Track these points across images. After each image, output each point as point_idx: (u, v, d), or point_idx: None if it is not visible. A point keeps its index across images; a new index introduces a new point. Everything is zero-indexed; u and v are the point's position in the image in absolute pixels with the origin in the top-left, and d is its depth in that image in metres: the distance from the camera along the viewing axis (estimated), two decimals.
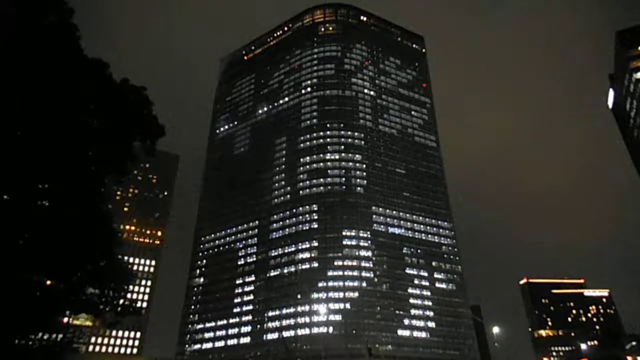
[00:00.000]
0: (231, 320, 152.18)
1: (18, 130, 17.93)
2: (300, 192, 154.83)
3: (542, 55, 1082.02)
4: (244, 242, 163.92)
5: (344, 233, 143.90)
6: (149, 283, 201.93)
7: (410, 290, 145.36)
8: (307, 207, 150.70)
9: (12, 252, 17.93)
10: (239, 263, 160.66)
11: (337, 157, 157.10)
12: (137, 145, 21.64)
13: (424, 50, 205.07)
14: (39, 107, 18.10)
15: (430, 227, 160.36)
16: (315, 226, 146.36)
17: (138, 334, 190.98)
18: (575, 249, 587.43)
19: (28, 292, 18.87)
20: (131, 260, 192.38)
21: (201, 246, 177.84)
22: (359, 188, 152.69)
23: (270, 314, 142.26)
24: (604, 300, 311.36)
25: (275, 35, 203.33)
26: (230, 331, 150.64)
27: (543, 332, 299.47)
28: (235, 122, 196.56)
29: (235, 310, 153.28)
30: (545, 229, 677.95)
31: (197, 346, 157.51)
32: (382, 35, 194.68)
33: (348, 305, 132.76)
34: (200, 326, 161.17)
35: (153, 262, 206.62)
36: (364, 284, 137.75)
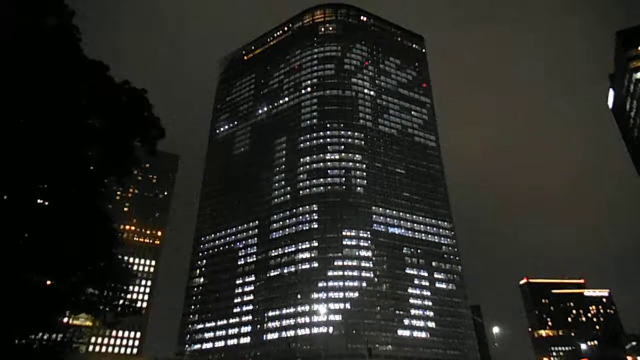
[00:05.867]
0: (231, 320, 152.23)
1: (18, 131, 17.98)
2: (300, 192, 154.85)
3: (542, 56, 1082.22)
4: (244, 242, 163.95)
5: (344, 233, 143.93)
6: (149, 283, 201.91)
7: (410, 290, 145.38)
8: (307, 207, 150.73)
9: (12, 252, 17.97)
10: (239, 263, 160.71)
11: (337, 157, 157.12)
12: (137, 145, 21.70)
13: (424, 50, 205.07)
14: (40, 108, 18.16)
15: (430, 227, 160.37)
16: (315, 226, 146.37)
17: (138, 334, 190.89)
18: (575, 249, 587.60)
19: (28, 292, 18.90)
20: (131, 260, 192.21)
21: (201, 246, 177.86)
22: (359, 188, 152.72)
23: (270, 314, 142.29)
24: (604, 300, 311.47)
25: (275, 35, 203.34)
26: (230, 331, 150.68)
27: (543, 332, 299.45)
28: (235, 122, 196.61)
29: (235, 310, 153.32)
30: (545, 229, 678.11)
31: (197, 346, 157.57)
32: (382, 35, 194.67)
33: (348, 305, 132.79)
34: (200, 326, 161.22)
35: (153, 262, 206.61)
36: (364, 284, 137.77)
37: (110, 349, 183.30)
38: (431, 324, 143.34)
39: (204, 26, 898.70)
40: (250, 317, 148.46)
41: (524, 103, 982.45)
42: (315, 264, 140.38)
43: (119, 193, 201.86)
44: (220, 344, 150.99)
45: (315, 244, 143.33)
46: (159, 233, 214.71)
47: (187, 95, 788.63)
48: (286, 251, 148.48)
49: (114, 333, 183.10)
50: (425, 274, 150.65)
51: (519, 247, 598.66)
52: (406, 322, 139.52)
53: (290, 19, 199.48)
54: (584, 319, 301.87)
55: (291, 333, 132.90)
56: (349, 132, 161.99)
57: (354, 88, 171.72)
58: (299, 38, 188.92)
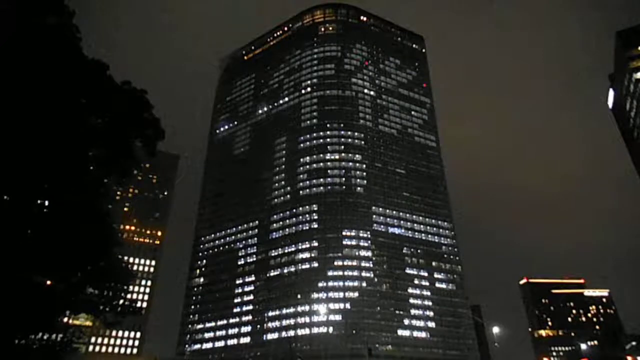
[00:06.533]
0: (231, 320, 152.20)
1: (18, 131, 17.96)
2: (300, 192, 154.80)
3: (542, 55, 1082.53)
4: (244, 242, 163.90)
5: (344, 233, 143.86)
6: (149, 283, 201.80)
7: (410, 290, 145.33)
8: (307, 207, 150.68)
9: (12, 252, 17.95)
10: (239, 263, 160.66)
11: (337, 157, 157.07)
12: (137, 146, 21.69)
13: (424, 50, 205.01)
14: (40, 108, 18.14)
15: (430, 227, 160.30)
16: (315, 226, 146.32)
17: (138, 334, 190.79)
18: (575, 249, 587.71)
19: (28, 292, 18.88)
20: (131, 260, 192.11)
21: (201, 246, 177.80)
22: (359, 188, 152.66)
23: (270, 314, 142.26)
24: (604, 300, 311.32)
25: (275, 35, 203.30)
26: (230, 331, 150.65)
27: (543, 332, 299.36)
28: (235, 122, 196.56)
29: (235, 310, 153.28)
30: (545, 229, 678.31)
31: (197, 346, 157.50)
32: (382, 35, 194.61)
33: (348, 305, 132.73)
34: (200, 326, 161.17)
35: (153, 262, 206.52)
36: (364, 284, 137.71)
37: (110, 349, 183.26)
38: (431, 324, 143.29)
39: (204, 26, 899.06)
40: (250, 317, 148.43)
41: (523, 103, 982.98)
42: (315, 264, 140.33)
43: (119, 193, 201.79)
44: (220, 344, 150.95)
45: (315, 244, 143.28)
46: (159, 233, 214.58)
47: (187, 95, 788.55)
48: (286, 251, 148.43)
49: (114, 333, 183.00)
50: (425, 274, 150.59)
51: (519, 247, 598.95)
52: (406, 322, 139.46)
53: (290, 19, 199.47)
54: (584, 319, 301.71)
55: (291, 333, 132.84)
56: (349, 132, 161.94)
57: (354, 88, 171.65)
58: (299, 38, 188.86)
